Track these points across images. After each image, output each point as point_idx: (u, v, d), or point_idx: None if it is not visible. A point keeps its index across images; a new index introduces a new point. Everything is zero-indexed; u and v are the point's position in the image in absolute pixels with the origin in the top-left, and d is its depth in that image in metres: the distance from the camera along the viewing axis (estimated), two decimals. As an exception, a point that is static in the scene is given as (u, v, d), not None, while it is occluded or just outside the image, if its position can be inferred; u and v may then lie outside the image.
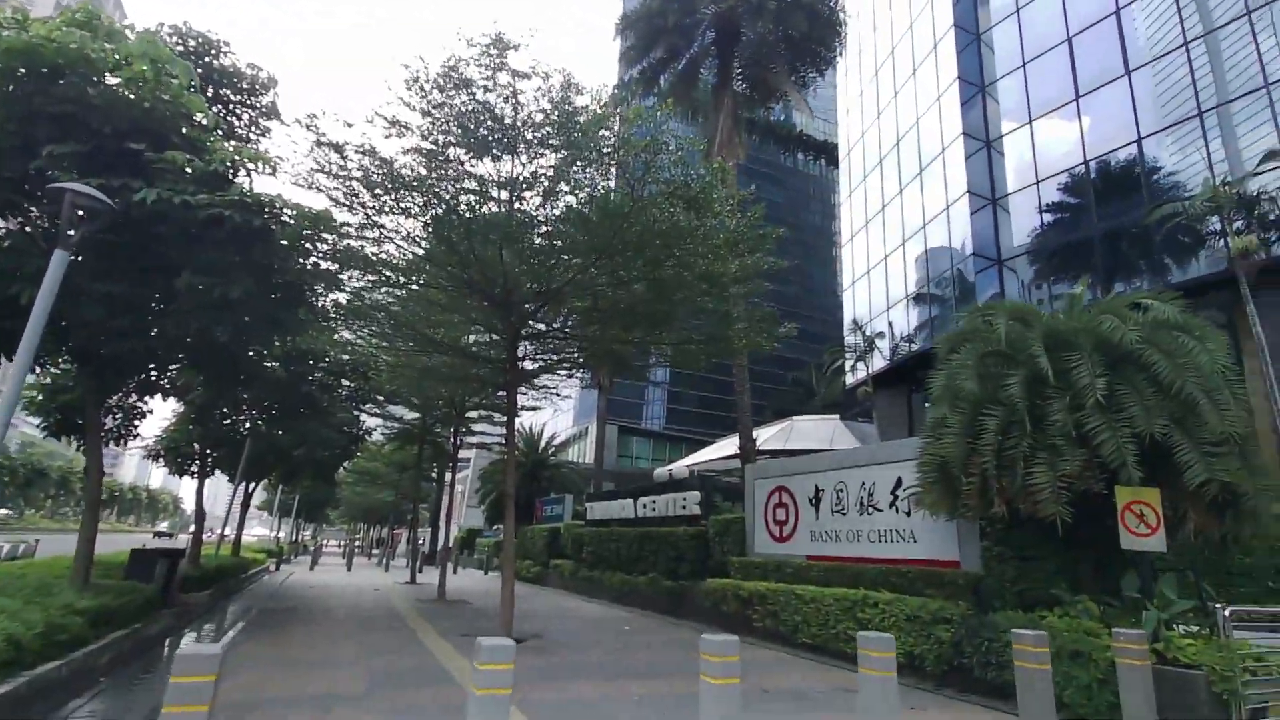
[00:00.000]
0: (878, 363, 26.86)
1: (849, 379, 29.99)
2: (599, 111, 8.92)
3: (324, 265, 10.89)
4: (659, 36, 22.02)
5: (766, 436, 28.70)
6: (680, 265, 9.05)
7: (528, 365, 16.44)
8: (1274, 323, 14.51)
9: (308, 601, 16.08)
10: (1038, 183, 20.78)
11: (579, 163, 8.66)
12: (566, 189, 9.78)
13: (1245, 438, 7.01)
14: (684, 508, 16.21)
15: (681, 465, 32.76)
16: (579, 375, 20.52)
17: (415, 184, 8.93)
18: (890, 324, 27.00)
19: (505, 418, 13.34)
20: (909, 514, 10.21)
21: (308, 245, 9.86)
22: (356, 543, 73.82)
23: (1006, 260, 21.31)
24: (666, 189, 8.29)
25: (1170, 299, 7.90)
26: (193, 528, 19.47)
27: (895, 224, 26.85)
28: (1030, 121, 21.59)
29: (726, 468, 25.81)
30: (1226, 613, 6.53)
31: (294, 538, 50.64)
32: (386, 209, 9.58)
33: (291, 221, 8.79)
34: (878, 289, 28.14)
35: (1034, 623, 7.38)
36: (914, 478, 9.22)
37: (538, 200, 9.93)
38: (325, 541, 78.01)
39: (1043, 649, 5.36)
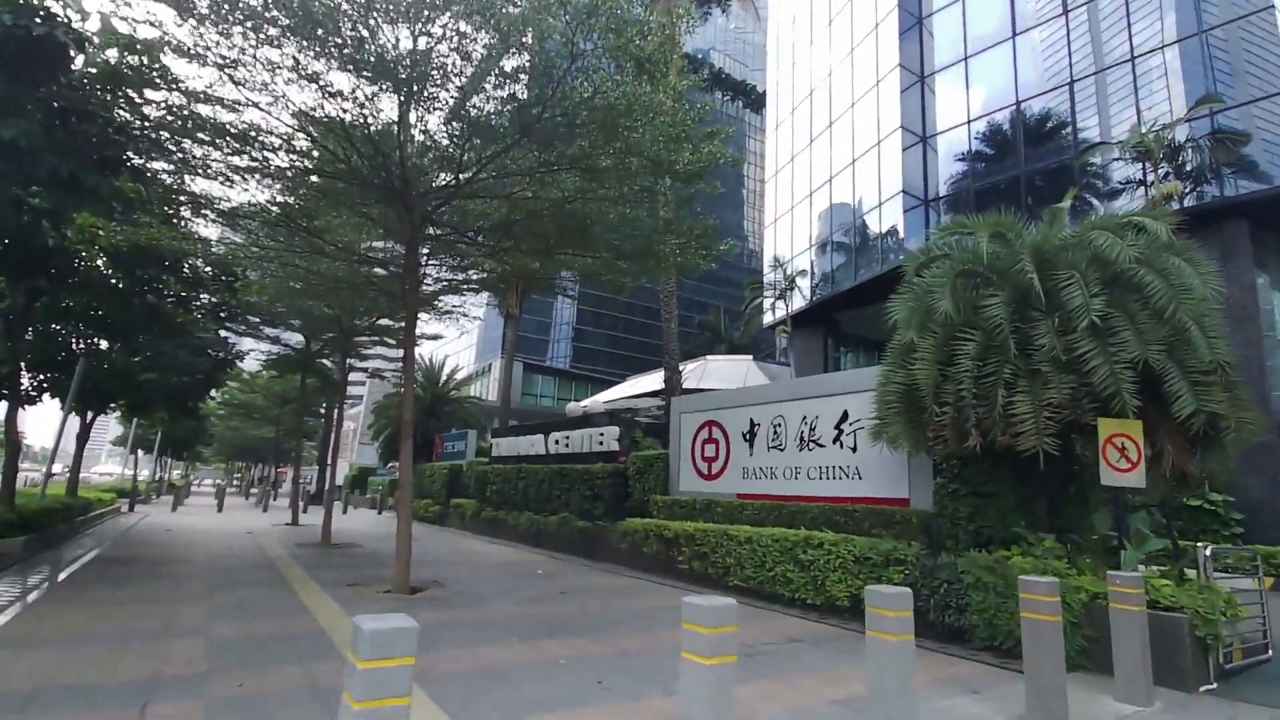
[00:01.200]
0: (797, 302, 26.47)
1: (768, 318, 29.57)
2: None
3: (164, 135, 8.44)
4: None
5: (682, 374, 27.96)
6: (625, 151, 7.42)
7: (429, 283, 14.39)
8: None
9: (159, 549, 13.74)
10: (969, 121, 20.43)
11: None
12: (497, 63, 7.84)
13: (1231, 367, 6.50)
14: (601, 444, 15.05)
15: (597, 400, 31.67)
16: (489, 297, 18.47)
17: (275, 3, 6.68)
18: (812, 263, 26.55)
19: (401, 344, 11.43)
20: (855, 449, 9.48)
21: (132, 94, 7.44)
22: (234, 482, 68.64)
23: (934, 200, 21.05)
24: (615, 42, 6.52)
25: (1163, 217, 7.23)
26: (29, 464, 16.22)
27: (823, 159, 26.07)
28: (965, 58, 21.08)
29: (643, 405, 24.89)
30: (1208, 553, 6.12)
31: (156, 476, 45.64)
32: (238, 44, 7.23)
33: (98, 48, 6.40)
34: (801, 226, 27.53)
35: (1000, 563, 6.79)
36: (870, 409, 8.41)
37: (454, 62, 7.92)
38: (199, 481, 71.89)
39: (1054, 598, 4.56)
